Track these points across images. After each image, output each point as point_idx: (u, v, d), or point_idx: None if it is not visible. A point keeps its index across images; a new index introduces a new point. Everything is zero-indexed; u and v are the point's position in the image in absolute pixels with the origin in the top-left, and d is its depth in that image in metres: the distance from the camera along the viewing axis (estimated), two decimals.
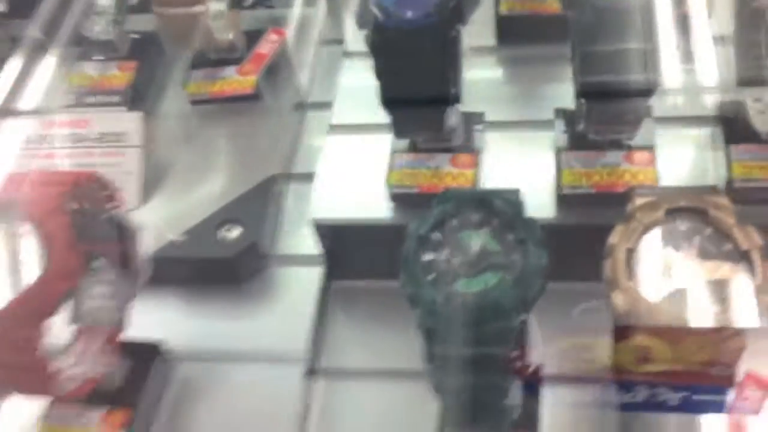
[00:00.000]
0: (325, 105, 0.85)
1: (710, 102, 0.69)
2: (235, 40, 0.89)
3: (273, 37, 0.91)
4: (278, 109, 0.88)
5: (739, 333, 0.52)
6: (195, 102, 0.89)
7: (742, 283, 0.52)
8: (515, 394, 0.63)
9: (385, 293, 0.76)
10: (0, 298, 0.58)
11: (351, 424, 0.71)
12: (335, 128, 0.79)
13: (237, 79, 0.88)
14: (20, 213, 0.59)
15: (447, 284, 0.56)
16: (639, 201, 0.55)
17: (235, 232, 0.78)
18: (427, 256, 0.57)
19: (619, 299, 0.53)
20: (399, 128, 0.69)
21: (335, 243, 0.75)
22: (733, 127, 0.66)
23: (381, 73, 0.66)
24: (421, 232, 0.58)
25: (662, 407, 0.59)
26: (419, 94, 0.66)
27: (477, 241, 0.57)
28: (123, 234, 0.67)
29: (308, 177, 0.81)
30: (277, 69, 0.91)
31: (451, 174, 0.69)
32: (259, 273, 0.79)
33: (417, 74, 0.66)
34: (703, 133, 0.70)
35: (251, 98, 0.88)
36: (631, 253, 0.54)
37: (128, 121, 0.83)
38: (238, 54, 0.90)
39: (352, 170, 0.75)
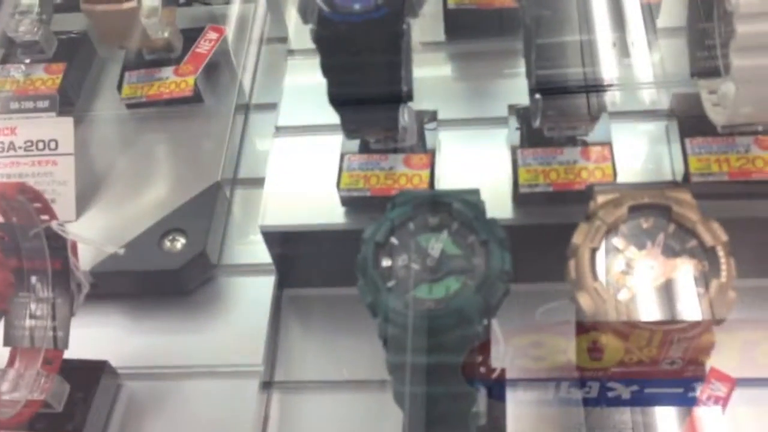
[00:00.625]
0: (270, 106, 0.82)
1: (665, 95, 0.68)
2: (171, 38, 0.84)
3: (211, 35, 0.87)
4: (220, 112, 0.85)
5: (706, 330, 0.51)
6: (130, 105, 0.84)
7: (706, 281, 0.51)
8: (480, 401, 0.61)
9: (341, 300, 0.74)
10: None
11: None
12: (281, 130, 0.76)
13: (174, 81, 0.83)
14: None
15: (407, 291, 0.53)
16: (601, 199, 0.54)
17: (180, 243, 0.74)
18: (385, 262, 0.55)
19: (584, 300, 0.51)
20: (349, 128, 0.67)
21: (286, 250, 0.72)
22: (688, 120, 0.65)
23: (328, 71, 0.63)
24: (378, 238, 0.55)
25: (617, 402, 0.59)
26: (370, 92, 0.64)
27: (436, 245, 0.55)
28: (57, 248, 0.63)
29: (255, 182, 0.79)
30: (217, 69, 0.87)
31: (405, 175, 0.67)
32: (207, 284, 0.76)
33: (367, 71, 0.63)
34: (658, 127, 0.69)
35: (191, 100, 0.84)
36: (595, 252, 0.52)
37: (58, 128, 0.78)
38: (175, 54, 0.86)
39: (301, 174, 0.72)
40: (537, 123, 0.65)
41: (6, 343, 0.63)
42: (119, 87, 0.85)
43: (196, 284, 0.75)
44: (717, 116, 0.61)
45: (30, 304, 0.64)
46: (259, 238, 0.72)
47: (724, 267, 0.51)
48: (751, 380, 0.61)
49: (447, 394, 0.54)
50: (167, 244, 0.74)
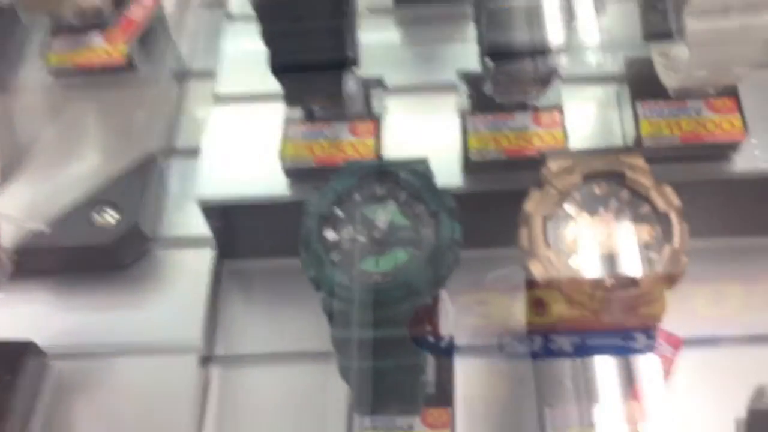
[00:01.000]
0: (208, 74, 0.77)
1: (616, 59, 0.67)
2: (102, 3, 0.79)
3: (146, 0, 0.82)
4: (155, 80, 0.80)
5: (658, 296, 0.50)
6: (57, 74, 0.79)
7: (659, 246, 0.50)
8: (428, 371, 0.59)
9: (284, 272, 0.71)
10: None
11: (254, 412, 0.66)
12: (220, 98, 0.72)
13: (105, 48, 0.78)
14: None
15: (353, 264, 0.51)
16: (553, 166, 0.52)
17: (112, 216, 0.70)
18: (330, 235, 0.52)
19: (536, 269, 0.49)
20: (292, 96, 0.63)
21: (225, 223, 0.69)
22: (640, 84, 0.63)
23: (269, 37, 0.60)
24: (322, 209, 0.52)
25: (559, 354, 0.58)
26: (313, 58, 0.60)
27: (383, 216, 0.52)
28: None
29: (192, 152, 0.74)
30: (152, 35, 0.82)
31: (350, 144, 0.64)
32: (142, 258, 0.72)
33: (310, 36, 0.60)
34: (609, 91, 0.67)
35: (123, 68, 0.79)
36: (547, 220, 0.50)
37: None
38: (105, 20, 0.80)
39: (241, 143, 0.69)
40: (487, 89, 0.62)
41: None
42: (45, 55, 0.79)
43: (131, 259, 0.71)
44: (669, 80, 0.60)
45: None
46: (196, 210, 0.69)
47: (676, 232, 0.50)
48: (695, 340, 0.61)
49: (395, 367, 0.52)
50: (98, 218, 0.70)
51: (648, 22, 0.62)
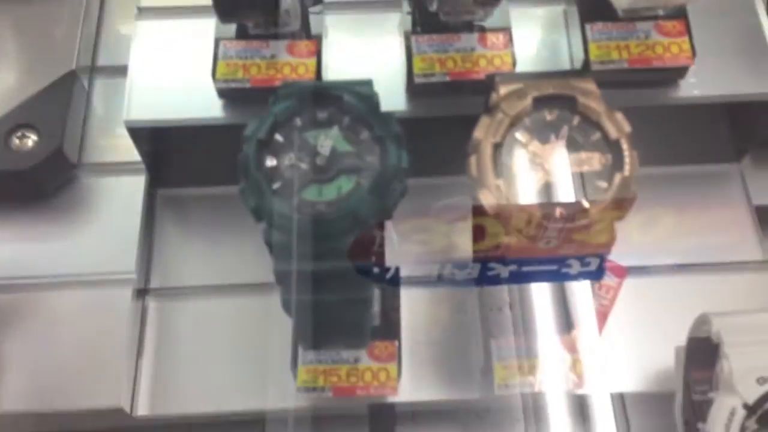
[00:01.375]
0: None
1: None
2: None
3: None
4: None
5: (607, 227, 0.50)
6: None
7: (610, 174, 0.49)
8: (374, 303, 0.58)
9: (219, 200, 0.68)
10: None
11: (193, 346, 0.65)
12: (145, 12, 0.67)
13: None
14: None
15: (295, 193, 0.48)
16: (503, 90, 0.50)
17: (31, 140, 0.65)
18: (269, 162, 0.50)
19: (486, 198, 0.48)
20: (224, 11, 0.59)
21: (157, 147, 0.65)
22: (589, 4, 0.61)
23: None
24: (260, 135, 0.50)
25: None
26: None
27: (326, 142, 0.50)
28: None
29: (117, 70, 0.71)
30: None
31: (289, 64, 0.61)
32: (67, 185, 0.68)
33: None
34: (556, 12, 0.65)
35: None
36: (497, 148, 0.49)
37: None
38: None
39: (171, 62, 0.65)
40: (433, 7, 0.59)
41: None
42: None
43: (54, 186, 0.67)
44: (618, 0, 0.58)
45: None
46: (124, 133, 0.65)
47: (627, 160, 0.49)
48: (635, 269, 0.62)
49: (341, 301, 0.51)
50: (16, 141, 0.65)
51: None
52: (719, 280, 0.67)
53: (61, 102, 0.67)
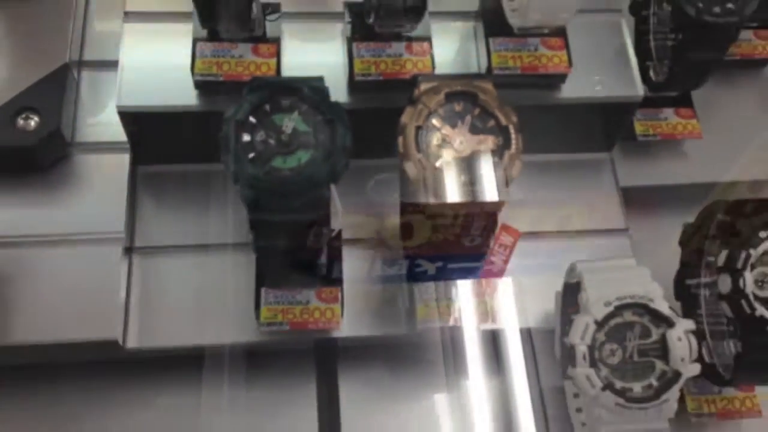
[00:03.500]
0: None
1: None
2: None
3: None
4: None
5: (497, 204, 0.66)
6: None
7: (501, 152, 0.66)
8: (322, 257, 0.73)
9: (192, 175, 0.82)
10: None
11: (171, 293, 0.77)
12: (131, 15, 0.80)
13: None
14: None
15: (265, 162, 0.63)
16: (423, 87, 0.66)
17: (33, 121, 0.78)
18: (246, 138, 0.64)
19: (410, 168, 0.64)
20: (204, 17, 0.73)
21: (142, 129, 0.78)
22: (492, 22, 0.78)
23: None
24: (238, 117, 0.64)
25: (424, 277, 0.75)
26: None
27: (289, 123, 0.65)
28: None
29: (101, 64, 0.83)
30: None
31: (254, 63, 0.75)
32: (62, 161, 0.80)
33: None
34: (468, 26, 0.82)
35: None
36: (419, 130, 0.65)
37: None
38: None
39: (154, 58, 0.78)
40: (370, 20, 0.75)
41: None
42: None
43: (51, 161, 0.79)
44: (514, 20, 0.75)
45: None
46: (108, 118, 0.78)
47: (514, 141, 0.66)
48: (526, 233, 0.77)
49: (299, 246, 0.66)
50: (21, 122, 0.77)
51: None
52: (591, 243, 0.84)
53: (57, 90, 0.79)
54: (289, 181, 0.63)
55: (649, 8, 0.86)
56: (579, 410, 0.74)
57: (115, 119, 0.78)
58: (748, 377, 0.74)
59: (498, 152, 0.65)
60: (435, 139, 0.65)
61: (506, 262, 0.77)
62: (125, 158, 0.81)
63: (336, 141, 0.64)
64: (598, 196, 0.87)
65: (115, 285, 0.75)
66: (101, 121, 0.82)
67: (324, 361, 0.80)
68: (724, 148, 0.91)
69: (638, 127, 0.88)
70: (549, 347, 0.80)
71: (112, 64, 0.79)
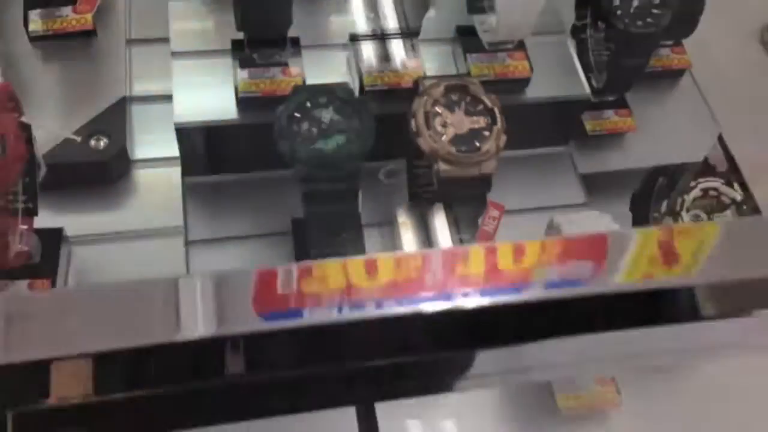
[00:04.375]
0: (149, 41, 1.04)
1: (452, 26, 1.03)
2: None
3: None
4: (111, 43, 1.05)
5: (492, 157, 0.86)
6: (34, 39, 1.02)
7: (489, 128, 0.86)
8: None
9: (237, 184, 1.00)
10: None
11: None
12: (177, 54, 0.99)
13: (74, 18, 1.02)
14: None
15: (312, 144, 0.82)
16: (428, 83, 0.86)
17: (103, 141, 0.95)
18: (294, 128, 0.83)
19: (423, 141, 0.83)
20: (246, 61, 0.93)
21: (194, 144, 0.96)
22: (468, 41, 0.99)
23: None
24: (288, 112, 0.83)
25: None
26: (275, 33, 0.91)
27: (327, 115, 0.84)
28: (27, 138, 0.82)
29: (146, 99, 1.02)
30: (105, 8, 1.07)
31: (285, 81, 0.94)
32: (126, 174, 0.97)
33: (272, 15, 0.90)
34: (450, 47, 1.03)
35: (88, 34, 1.03)
36: (427, 114, 0.85)
37: None
38: None
39: (202, 84, 0.96)
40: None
41: None
42: (25, 24, 1.01)
43: (118, 175, 0.96)
44: (485, 37, 0.96)
45: None
46: (156, 138, 0.96)
47: (498, 120, 0.86)
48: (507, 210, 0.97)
49: (345, 209, 0.84)
50: (93, 142, 0.94)
51: (472, 4, 0.99)
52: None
53: (120, 115, 0.97)
54: (332, 157, 0.81)
55: (586, 32, 1.09)
56: None
57: (165, 139, 0.95)
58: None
59: (488, 128, 0.85)
60: (439, 121, 0.85)
61: (495, 230, 0.96)
62: (176, 171, 0.98)
63: (363, 126, 0.83)
64: (559, 182, 1.08)
65: (179, 271, 0.91)
66: (152, 142, 1.00)
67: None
68: (655, 139, 1.13)
69: (588, 126, 1.09)
70: None
71: (157, 98, 0.98)
